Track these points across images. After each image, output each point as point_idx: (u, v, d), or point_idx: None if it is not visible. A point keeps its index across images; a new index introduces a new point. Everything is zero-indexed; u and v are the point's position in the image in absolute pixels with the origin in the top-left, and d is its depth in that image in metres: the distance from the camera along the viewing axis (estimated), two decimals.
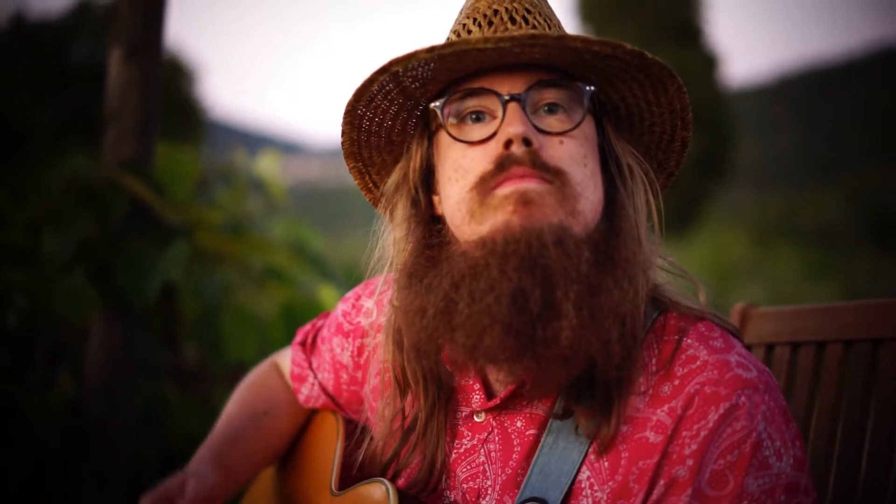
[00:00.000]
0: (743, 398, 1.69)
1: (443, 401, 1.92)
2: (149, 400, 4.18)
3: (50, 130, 20.95)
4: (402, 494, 1.87)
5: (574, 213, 1.75)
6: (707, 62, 27.19)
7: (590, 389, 1.75)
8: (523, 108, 1.77)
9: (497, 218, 1.74)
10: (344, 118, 1.88)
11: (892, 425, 2.08)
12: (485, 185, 1.76)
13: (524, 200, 1.73)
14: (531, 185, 1.73)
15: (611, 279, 1.73)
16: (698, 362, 1.74)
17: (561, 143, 1.78)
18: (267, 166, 5.39)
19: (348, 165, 1.98)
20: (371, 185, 2.02)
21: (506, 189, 1.74)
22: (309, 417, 2.33)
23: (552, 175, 1.75)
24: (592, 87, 1.83)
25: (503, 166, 1.75)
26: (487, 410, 1.89)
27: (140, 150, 3.88)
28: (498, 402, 1.86)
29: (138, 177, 3.82)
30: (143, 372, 4.13)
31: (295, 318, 4.12)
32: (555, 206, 1.73)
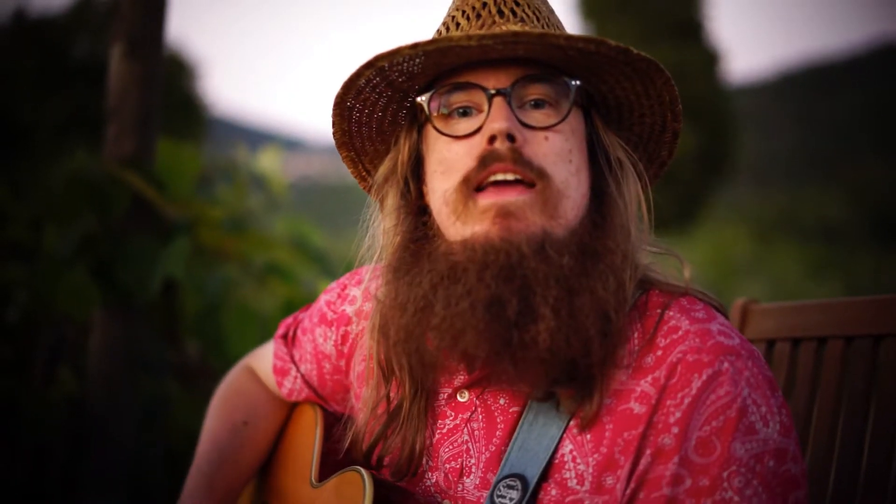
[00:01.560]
0: (726, 364, 1.71)
1: (425, 385, 1.93)
2: (150, 397, 4.18)
3: (51, 127, 20.94)
4: (377, 481, 1.89)
5: (556, 216, 1.77)
6: (708, 58, 27.14)
7: (571, 375, 1.76)
8: (509, 103, 1.79)
9: (477, 227, 1.76)
10: (333, 110, 1.91)
11: (893, 420, 2.08)
12: (468, 186, 1.78)
13: (504, 213, 1.75)
14: (511, 197, 1.75)
15: (594, 276, 1.75)
16: (680, 332, 1.76)
17: (546, 138, 1.80)
18: (268, 162, 5.39)
19: (341, 155, 2.01)
20: (364, 173, 2.05)
21: (486, 200, 1.76)
22: (290, 412, 2.34)
23: (535, 174, 1.76)
24: (578, 82, 1.84)
25: (485, 162, 1.77)
26: (470, 388, 1.90)
27: (141, 146, 3.88)
28: (477, 374, 1.87)
29: (139, 173, 3.82)
30: (145, 369, 4.14)
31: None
32: (536, 215, 1.76)
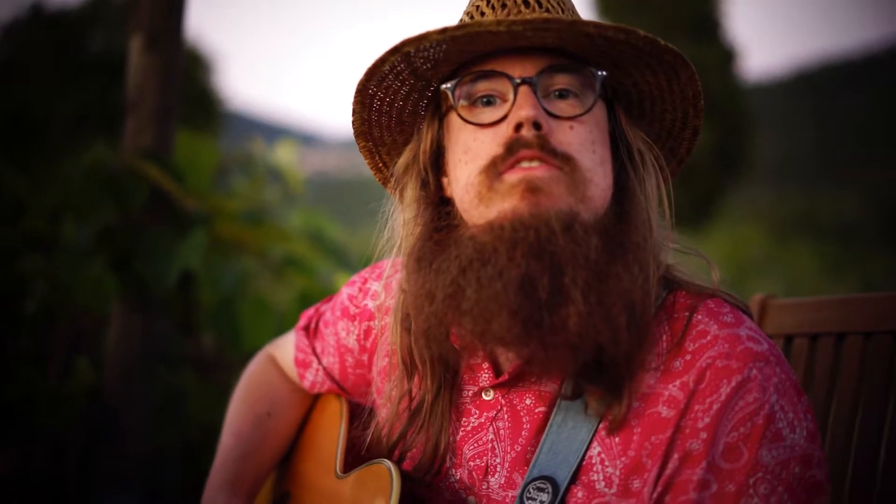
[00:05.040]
0: (755, 371, 1.70)
1: (449, 382, 1.93)
2: (167, 388, 4.19)
3: (67, 120, 21.00)
4: (404, 474, 1.88)
5: (584, 199, 1.76)
6: (725, 56, 27.08)
7: (599, 370, 1.75)
8: (534, 92, 1.78)
9: (505, 204, 1.75)
10: (355, 97, 1.89)
11: None
12: (494, 169, 1.77)
13: (532, 188, 1.73)
14: (539, 173, 1.74)
15: (620, 265, 1.73)
16: (709, 337, 1.75)
17: (571, 128, 1.79)
18: (285, 156, 5.40)
19: (358, 144, 1.99)
20: (381, 164, 2.03)
21: (514, 176, 1.75)
22: (313, 401, 2.33)
23: (561, 161, 1.75)
24: (604, 73, 1.83)
25: (512, 149, 1.75)
26: (496, 388, 1.89)
27: (160, 138, 3.89)
28: (506, 377, 1.87)
29: (158, 165, 3.83)
30: (162, 360, 4.15)
31: (312, 306, 4.13)
32: (564, 193, 1.74)
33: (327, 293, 4.19)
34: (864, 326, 2.25)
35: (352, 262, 4.61)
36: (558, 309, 1.68)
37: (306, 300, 4.18)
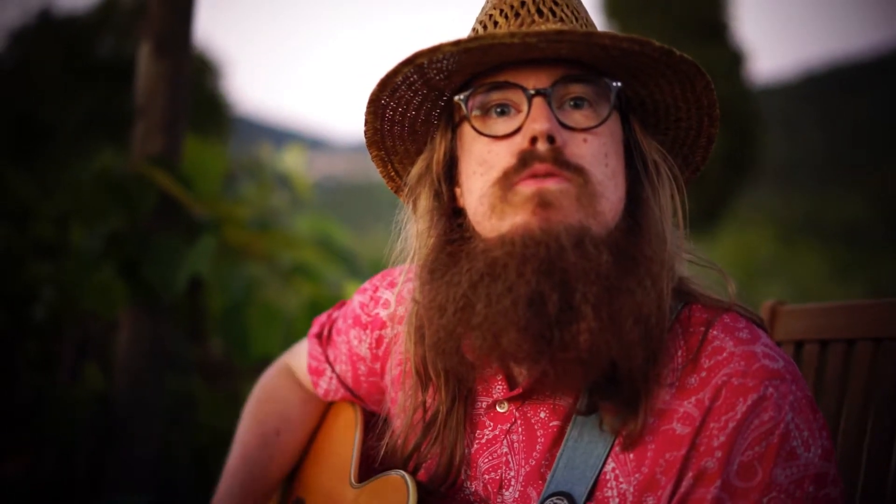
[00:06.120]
0: (770, 389, 1.69)
1: (463, 393, 1.92)
2: (175, 394, 4.20)
3: (75, 125, 21.04)
4: (420, 486, 1.87)
5: (594, 213, 1.74)
6: (733, 59, 27.04)
7: (614, 385, 1.74)
8: (549, 103, 1.76)
9: (517, 218, 1.74)
10: (367, 107, 1.88)
11: None
12: (507, 181, 1.75)
13: (544, 203, 1.72)
14: (551, 185, 1.73)
15: (633, 279, 1.72)
16: (725, 353, 1.74)
17: (585, 140, 1.77)
18: (293, 161, 5.40)
19: (371, 154, 1.98)
20: (393, 173, 2.02)
21: (527, 188, 1.74)
22: (327, 408, 2.33)
23: (573, 172, 1.74)
24: (619, 83, 1.81)
25: (526, 162, 1.74)
26: (510, 400, 1.89)
27: (168, 144, 3.89)
28: (520, 391, 1.86)
29: (167, 171, 3.83)
30: (170, 366, 4.15)
31: (321, 313, 4.12)
32: (574, 207, 1.73)
33: (336, 300, 4.19)
34: (873, 332, 2.24)
35: (360, 267, 4.61)
36: (569, 325, 1.68)
37: (315, 308, 4.17)
